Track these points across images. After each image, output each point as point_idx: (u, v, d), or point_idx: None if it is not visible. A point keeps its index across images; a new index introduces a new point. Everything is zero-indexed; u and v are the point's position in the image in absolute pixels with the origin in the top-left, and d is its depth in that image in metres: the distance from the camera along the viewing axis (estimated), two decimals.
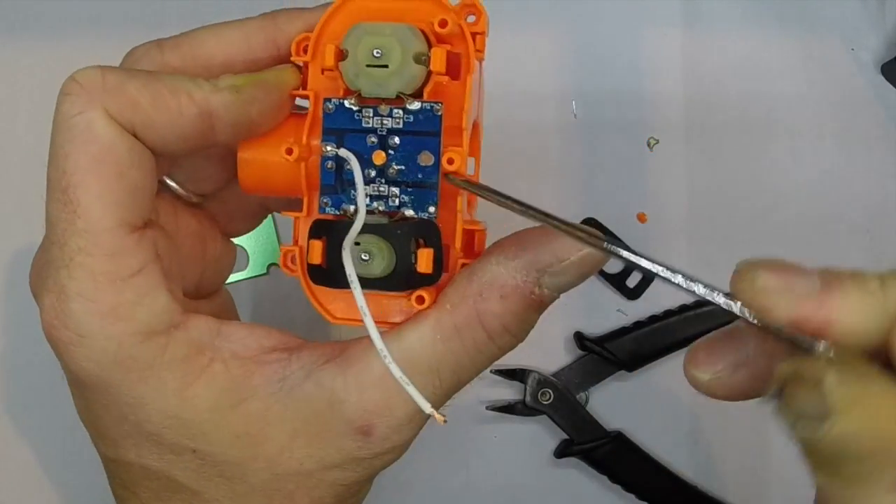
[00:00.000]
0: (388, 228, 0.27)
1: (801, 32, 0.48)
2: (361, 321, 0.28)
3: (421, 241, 0.28)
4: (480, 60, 0.29)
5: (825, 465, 0.21)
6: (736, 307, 0.23)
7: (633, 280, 0.46)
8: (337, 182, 0.28)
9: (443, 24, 0.27)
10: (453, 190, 0.28)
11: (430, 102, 0.27)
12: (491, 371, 0.45)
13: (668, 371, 0.46)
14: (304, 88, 0.29)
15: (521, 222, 0.28)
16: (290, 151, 0.28)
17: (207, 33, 0.29)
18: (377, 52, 0.27)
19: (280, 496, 0.28)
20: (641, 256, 0.26)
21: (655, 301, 0.46)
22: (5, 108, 0.48)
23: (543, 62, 0.48)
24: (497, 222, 0.31)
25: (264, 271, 0.47)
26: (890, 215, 0.47)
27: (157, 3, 0.48)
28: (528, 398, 0.45)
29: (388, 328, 0.29)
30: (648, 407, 0.46)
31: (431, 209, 0.28)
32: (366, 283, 0.27)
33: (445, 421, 0.26)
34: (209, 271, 0.33)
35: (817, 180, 0.47)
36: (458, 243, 0.28)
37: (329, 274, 0.28)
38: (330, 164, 0.28)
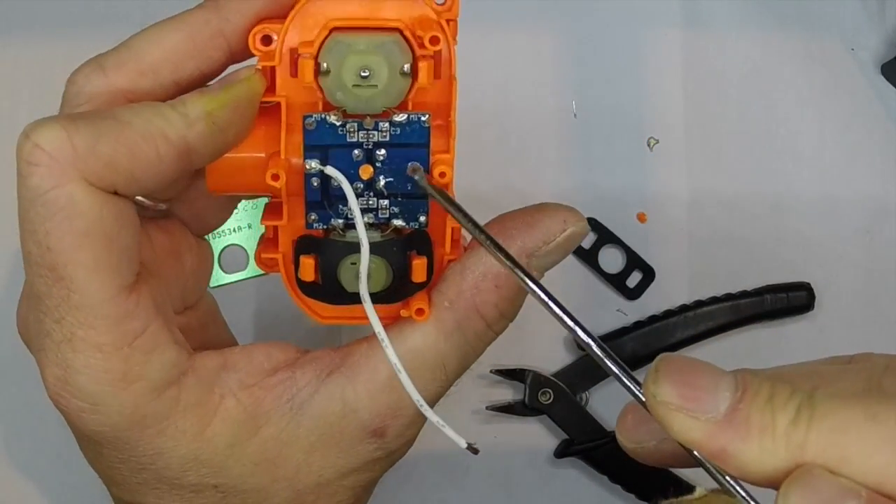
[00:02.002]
0: (384, 246, 0.27)
1: (801, 32, 0.48)
2: (348, 320, 0.29)
3: (414, 251, 0.27)
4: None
5: None
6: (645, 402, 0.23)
7: (633, 280, 0.46)
8: (324, 198, 0.27)
9: (434, 41, 0.26)
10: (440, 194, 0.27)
11: (416, 114, 0.27)
12: (491, 371, 0.45)
13: None
14: (272, 91, 0.27)
15: (498, 203, 0.28)
16: (276, 178, 0.26)
17: (148, 40, 0.27)
18: (364, 73, 0.25)
19: None
20: (572, 319, 0.26)
21: (655, 301, 0.46)
22: (5, 108, 0.48)
23: (543, 62, 0.48)
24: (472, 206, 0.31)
25: (258, 273, 0.46)
26: (890, 215, 0.47)
27: (157, 3, 0.48)
28: (528, 398, 0.45)
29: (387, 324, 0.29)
30: None
31: (422, 219, 0.28)
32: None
33: (477, 451, 0.27)
34: (190, 281, 0.32)
35: (817, 180, 0.47)
36: (447, 246, 0.28)
37: (324, 290, 0.27)
38: (315, 181, 0.27)
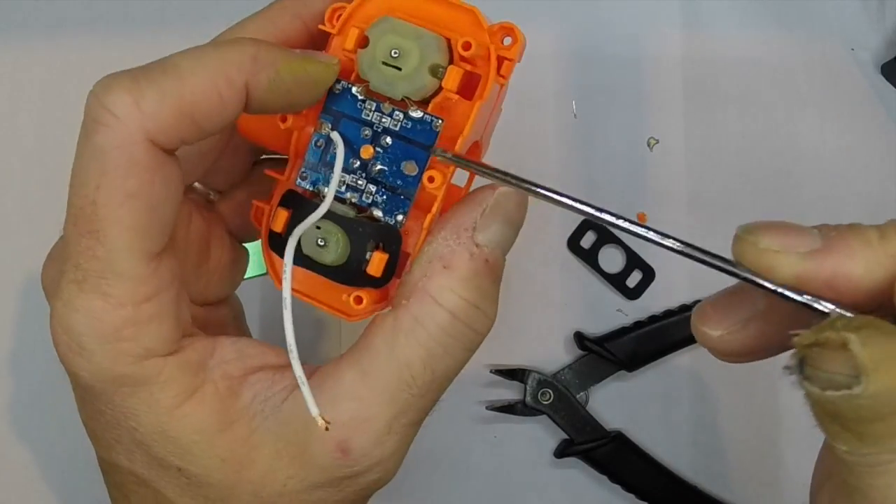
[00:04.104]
0: (352, 223, 0.27)
1: (801, 32, 0.48)
2: (309, 296, 0.29)
3: (380, 244, 0.28)
4: (501, 86, 0.29)
5: (852, 429, 0.21)
6: (738, 269, 0.23)
7: (633, 280, 0.46)
8: (321, 161, 0.28)
9: (466, 46, 0.27)
10: (428, 203, 0.28)
11: (431, 116, 0.27)
12: (491, 371, 0.45)
13: (668, 371, 0.46)
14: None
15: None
16: (283, 119, 0.28)
17: (236, 28, 0.29)
18: (395, 53, 0.27)
19: None
20: (585, 204, 0.26)
21: (655, 301, 0.46)
22: (5, 107, 0.48)
23: (543, 62, 0.48)
24: None
25: (264, 271, 0.46)
26: (890, 215, 0.47)
27: (157, 2, 0.48)
28: (528, 398, 0.45)
29: (337, 315, 0.29)
30: (648, 407, 0.46)
31: (399, 217, 0.28)
32: (314, 267, 0.27)
33: (328, 428, 0.26)
34: (215, 277, 0.33)
35: (817, 180, 0.47)
36: (415, 255, 0.28)
37: (285, 244, 0.28)
38: (320, 141, 0.28)
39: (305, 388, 0.26)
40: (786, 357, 0.22)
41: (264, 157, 0.35)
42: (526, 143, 0.47)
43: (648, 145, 0.47)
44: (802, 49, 0.48)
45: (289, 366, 0.28)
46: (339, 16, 0.28)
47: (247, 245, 0.46)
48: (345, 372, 0.27)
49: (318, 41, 0.29)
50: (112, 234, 0.25)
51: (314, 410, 0.25)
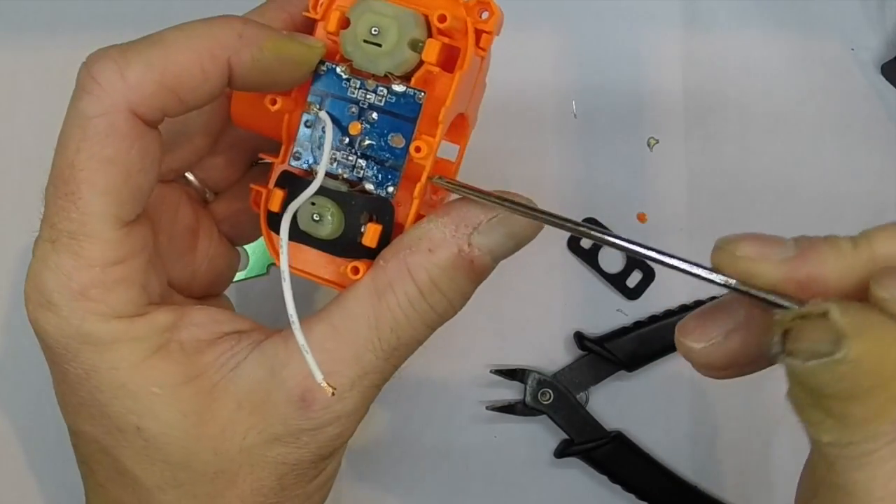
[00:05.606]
0: (345, 196, 0.28)
1: (801, 32, 0.48)
2: (306, 272, 0.30)
3: (373, 216, 0.29)
4: (482, 58, 0.29)
5: (835, 412, 0.22)
6: (717, 278, 0.25)
7: (633, 280, 0.46)
8: (311, 140, 0.29)
9: (441, 19, 0.28)
10: (416, 173, 0.29)
11: (414, 89, 0.28)
12: (491, 371, 0.45)
13: (668, 371, 0.46)
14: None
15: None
16: (273, 102, 0.29)
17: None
18: (374, 31, 0.28)
19: (223, 479, 0.28)
20: (604, 233, 0.27)
21: (655, 301, 0.46)
22: (5, 107, 0.48)
23: (543, 62, 0.48)
24: None
25: (264, 271, 0.47)
26: (890, 215, 0.47)
27: (157, 3, 0.48)
28: (528, 398, 0.45)
29: (331, 286, 0.30)
30: (648, 407, 0.46)
31: (390, 189, 0.29)
32: (311, 241, 0.28)
33: (334, 393, 0.27)
34: (202, 270, 0.33)
35: (817, 180, 0.47)
36: (408, 226, 0.29)
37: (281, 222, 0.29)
38: (309, 121, 0.29)
39: (309, 356, 0.26)
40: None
41: (259, 161, 0.35)
42: (526, 143, 0.47)
43: (648, 145, 0.47)
44: (802, 49, 0.48)
45: (256, 329, 0.30)
46: (322, 2, 0.29)
47: (246, 247, 0.46)
48: (315, 325, 0.28)
49: (302, 30, 0.30)
50: (87, 197, 0.26)
51: (318, 376, 0.26)
